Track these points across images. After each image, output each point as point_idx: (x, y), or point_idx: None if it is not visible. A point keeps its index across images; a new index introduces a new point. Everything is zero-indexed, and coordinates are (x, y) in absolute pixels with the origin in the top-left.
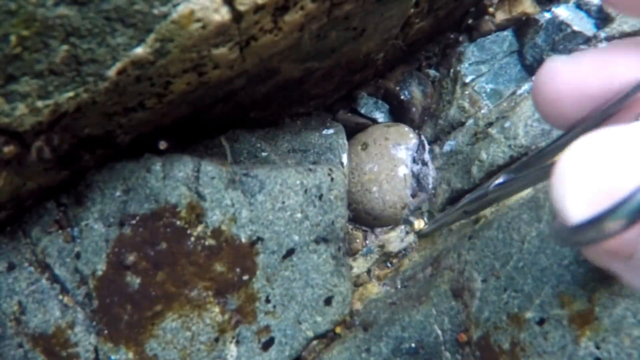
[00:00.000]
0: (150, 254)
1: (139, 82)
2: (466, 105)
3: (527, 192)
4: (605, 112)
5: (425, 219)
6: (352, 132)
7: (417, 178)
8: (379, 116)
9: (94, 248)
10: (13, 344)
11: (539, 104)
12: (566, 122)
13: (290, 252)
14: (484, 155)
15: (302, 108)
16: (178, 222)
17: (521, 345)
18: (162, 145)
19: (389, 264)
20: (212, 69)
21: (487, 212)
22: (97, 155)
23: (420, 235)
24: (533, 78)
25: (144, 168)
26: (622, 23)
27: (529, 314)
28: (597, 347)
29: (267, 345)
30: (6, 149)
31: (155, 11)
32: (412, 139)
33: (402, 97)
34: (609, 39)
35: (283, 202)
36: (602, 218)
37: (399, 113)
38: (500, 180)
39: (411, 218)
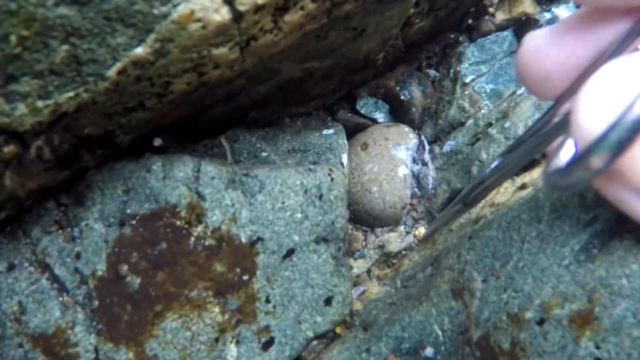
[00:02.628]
0: (150, 254)
1: (139, 82)
2: (466, 105)
3: (527, 192)
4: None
5: (426, 220)
6: (352, 132)
7: (417, 178)
8: (379, 116)
9: (94, 248)
10: (13, 344)
11: (526, 83)
12: (554, 94)
13: (290, 252)
14: (484, 155)
15: (302, 108)
16: (178, 222)
17: (521, 345)
18: (157, 142)
19: (389, 264)
20: (212, 69)
21: (487, 212)
22: (97, 155)
23: (420, 240)
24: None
25: (144, 168)
26: None
27: (529, 314)
28: (597, 347)
29: (267, 345)
30: (6, 149)
31: (155, 11)
32: (412, 139)
33: (402, 97)
34: None
35: (283, 202)
36: (585, 154)
37: (399, 113)
38: (495, 163)
39: (411, 220)
